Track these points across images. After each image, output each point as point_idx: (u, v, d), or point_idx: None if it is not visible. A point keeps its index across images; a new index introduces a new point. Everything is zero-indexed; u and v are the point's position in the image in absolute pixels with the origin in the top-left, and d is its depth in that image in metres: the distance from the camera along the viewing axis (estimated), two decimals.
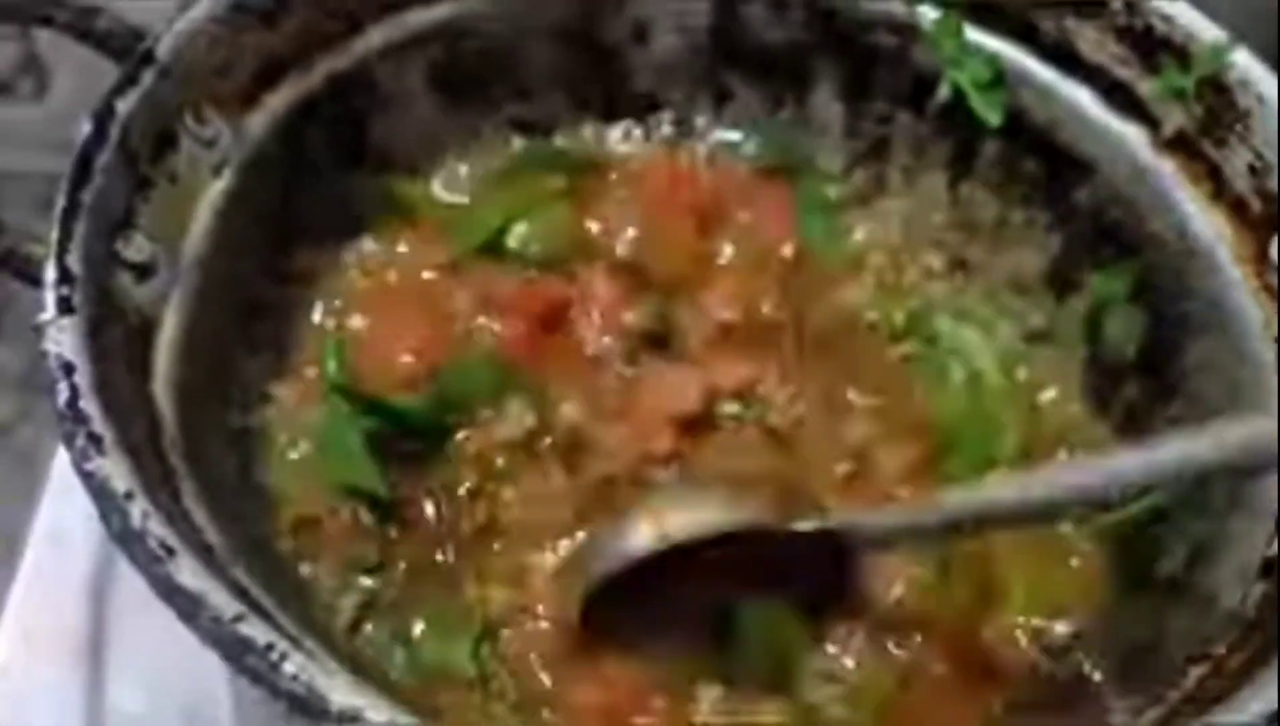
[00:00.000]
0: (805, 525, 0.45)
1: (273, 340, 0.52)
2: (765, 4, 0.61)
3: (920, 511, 0.46)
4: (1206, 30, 0.52)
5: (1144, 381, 0.54)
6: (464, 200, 0.61)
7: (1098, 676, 0.43)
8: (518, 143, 0.62)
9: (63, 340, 0.39)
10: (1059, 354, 0.57)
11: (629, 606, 0.45)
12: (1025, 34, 0.57)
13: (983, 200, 0.61)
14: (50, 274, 0.41)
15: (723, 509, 0.45)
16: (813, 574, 0.46)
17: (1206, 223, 0.52)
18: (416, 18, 0.58)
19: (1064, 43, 0.56)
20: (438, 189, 0.61)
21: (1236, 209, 0.51)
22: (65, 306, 0.40)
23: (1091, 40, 0.55)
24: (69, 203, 0.43)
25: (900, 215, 0.62)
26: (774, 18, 0.62)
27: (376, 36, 0.57)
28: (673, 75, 0.63)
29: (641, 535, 0.45)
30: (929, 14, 0.58)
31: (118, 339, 0.42)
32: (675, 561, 0.44)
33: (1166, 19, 0.52)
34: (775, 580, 0.45)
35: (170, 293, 0.46)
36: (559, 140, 0.63)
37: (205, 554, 0.37)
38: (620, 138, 0.64)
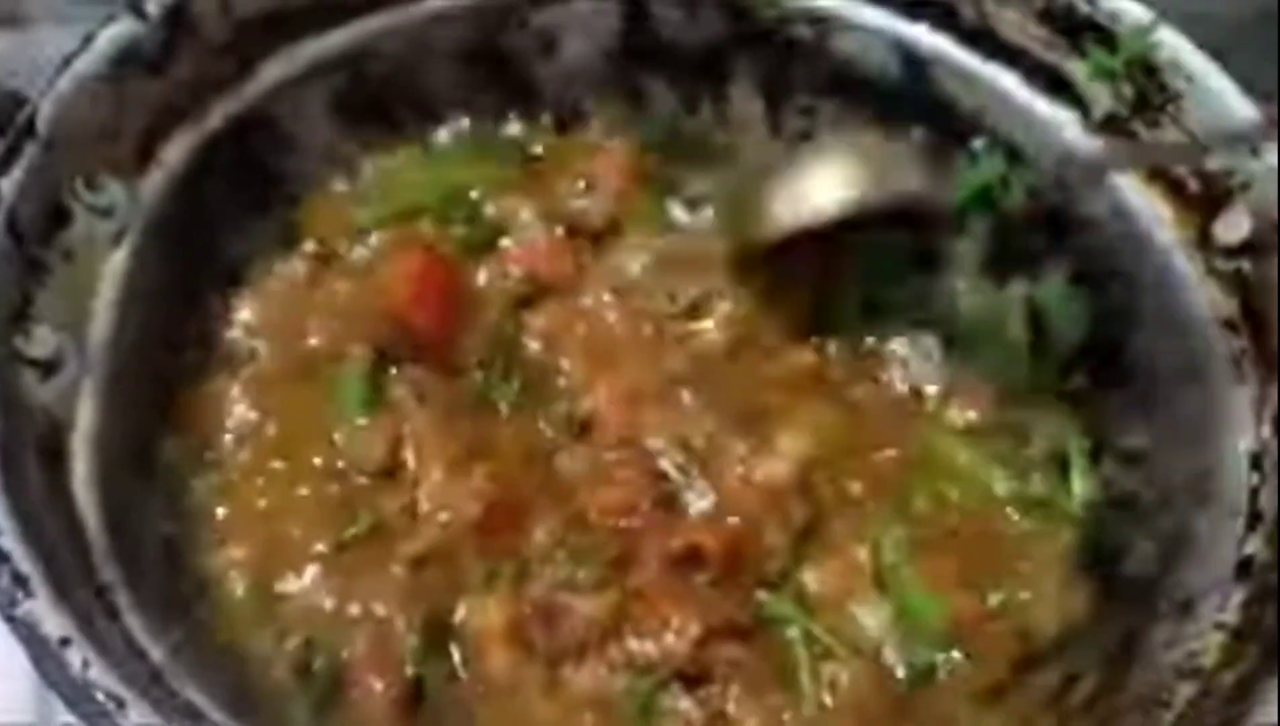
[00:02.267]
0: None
1: (193, 417, 0.49)
2: (676, 4, 0.59)
3: None
4: (1131, 10, 0.51)
5: (1093, 369, 0.53)
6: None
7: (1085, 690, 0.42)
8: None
9: None
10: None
11: None
12: (946, 19, 0.56)
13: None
14: None
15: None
16: None
17: (1144, 204, 0.51)
18: (314, 48, 0.55)
19: (984, 27, 0.55)
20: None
21: (1174, 189, 0.50)
22: None
23: (1012, 23, 0.54)
24: None
25: None
26: (686, 18, 0.59)
27: (272, 72, 0.54)
28: (583, 82, 0.61)
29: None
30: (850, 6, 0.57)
31: (28, 447, 0.39)
32: None
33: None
34: None
35: (80, 384, 0.43)
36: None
37: (154, 682, 0.35)
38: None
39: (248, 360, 0.53)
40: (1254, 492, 0.44)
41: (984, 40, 0.55)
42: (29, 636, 0.33)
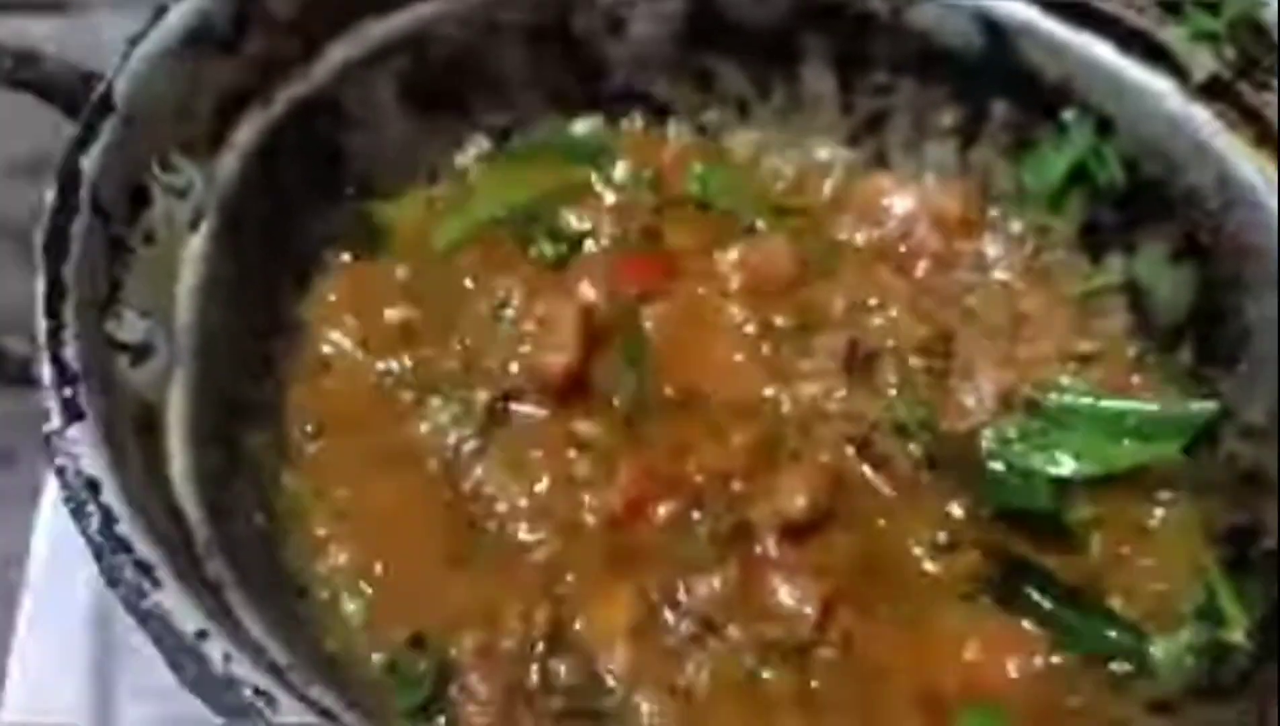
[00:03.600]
0: None
1: (281, 409, 0.46)
2: None
3: None
4: None
5: (1199, 344, 0.52)
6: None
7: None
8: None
9: (79, 452, 0.33)
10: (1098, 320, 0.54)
11: None
12: None
13: (996, 166, 0.58)
14: (47, 373, 0.34)
15: None
16: None
17: (1252, 170, 0.50)
18: (379, 29, 0.53)
19: None
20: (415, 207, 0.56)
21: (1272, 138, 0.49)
22: (73, 411, 0.34)
23: None
24: (51, 283, 0.36)
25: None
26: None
27: (337, 54, 0.52)
28: (651, 65, 0.59)
29: None
30: None
31: (129, 432, 0.36)
32: None
33: None
34: None
35: (171, 372, 0.40)
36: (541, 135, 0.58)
37: (279, 677, 0.32)
38: (599, 128, 0.60)
39: (334, 353, 0.50)
40: None
41: (1073, 8, 0.54)
42: (161, 630, 0.30)
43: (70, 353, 0.35)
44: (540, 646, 0.41)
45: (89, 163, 0.40)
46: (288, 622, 0.38)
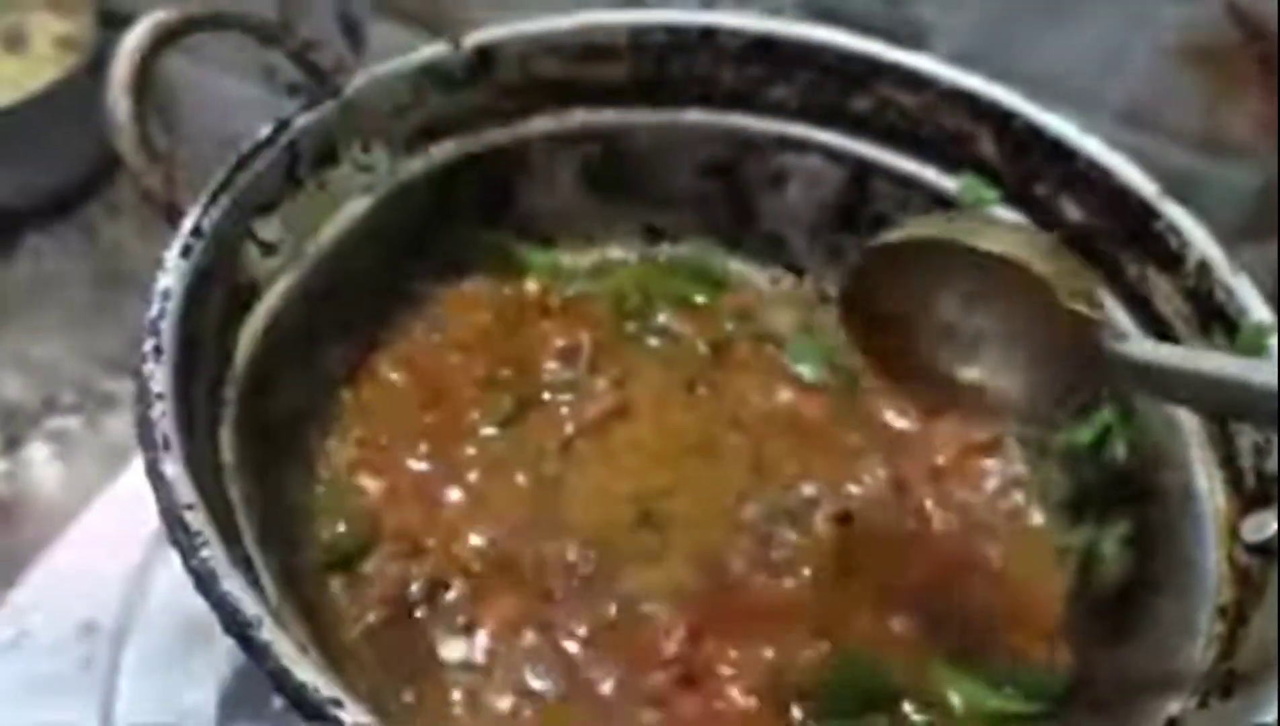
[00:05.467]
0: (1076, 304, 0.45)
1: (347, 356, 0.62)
2: (894, 186, 0.67)
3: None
4: (1258, 309, 0.53)
5: (1110, 625, 0.55)
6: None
7: None
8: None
9: (170, 288, 0.49)
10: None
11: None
12: (1111, 273, 0.60)
13: None
14: (186, 225, 0.52)
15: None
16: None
17: (1209, 487, 0.53)
18: (582, 117, 0.67)
19: (1140, 292, 0.58)
20: (565, 259, 0.69)
21: (1236, 481, 0.52)
22: (185, 252, 0.51)
23: (1165, 294, 0.57)
24: (225, 179, 0.54)
25: None
26: (899, 201, 0.67)
27: (541, 124, 0.67)
28: (797, 226, 0.70)
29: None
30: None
31: (220, 298, 0.53)
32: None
33: (1228, 290, 0.54)
34: None
35: (285, 270, 0.57)
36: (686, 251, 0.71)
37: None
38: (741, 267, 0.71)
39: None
40: None
41: (1139, 302, 0.59)
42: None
43: (208, 221, 0.52)
44: None
45: (301, 121, 0.57)
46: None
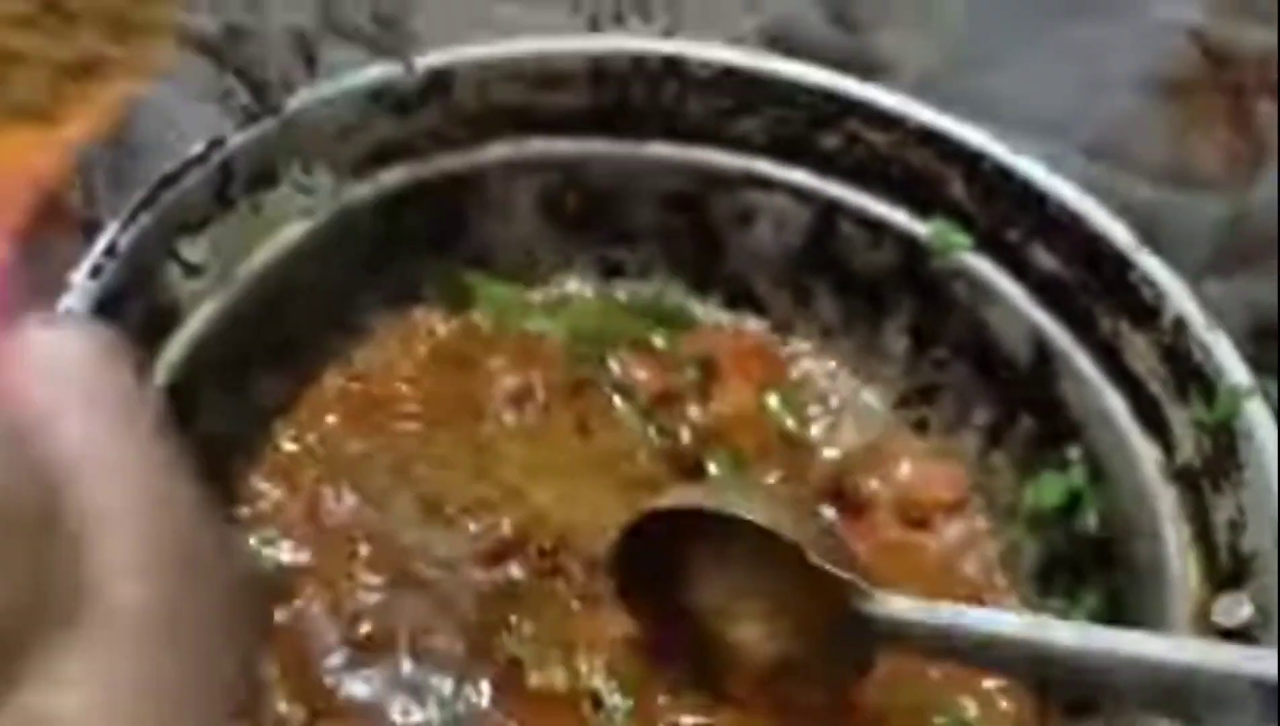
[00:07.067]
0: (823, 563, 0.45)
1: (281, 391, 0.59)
2: (864, 228, 0.64)
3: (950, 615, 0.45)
4: (1235, 371, 0.50)
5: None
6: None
7: None
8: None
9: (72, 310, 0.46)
10: None
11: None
12: (1083, 324, 0.57)
13: (1005, 473, 0.60)
14: (99, 244, 0.49)
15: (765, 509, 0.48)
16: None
17: (1181, 561, 0.50)
18: (541, 145, 0.64)
19: (1115, 345, 0.56)
20: (518, 292, 0.66)
21: (1210, 556, 0.49)
22: (94, 273, 0.48)
23: (1139, 352, 0.55)
24: (147, 196, 0.51)
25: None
26: (869, 243, 0.64)
27: (498, 151, 0.64)
28: (762, 265, 0.67)
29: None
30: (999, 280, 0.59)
31: (136, 319, 0.50)
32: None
33: (1205, 349, 0.51)
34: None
35: (211, 294, 0.54)
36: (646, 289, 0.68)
37: None
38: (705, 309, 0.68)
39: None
40: None
41: (1112, 356, 0.56)
42: None
43: (126, 239, 0.49)
44: None
45: (237, 139, 0.55)
46: None
